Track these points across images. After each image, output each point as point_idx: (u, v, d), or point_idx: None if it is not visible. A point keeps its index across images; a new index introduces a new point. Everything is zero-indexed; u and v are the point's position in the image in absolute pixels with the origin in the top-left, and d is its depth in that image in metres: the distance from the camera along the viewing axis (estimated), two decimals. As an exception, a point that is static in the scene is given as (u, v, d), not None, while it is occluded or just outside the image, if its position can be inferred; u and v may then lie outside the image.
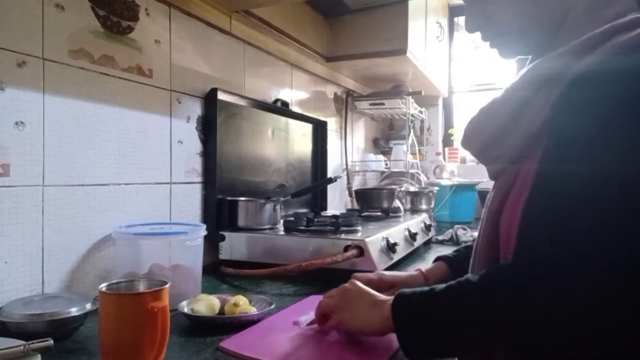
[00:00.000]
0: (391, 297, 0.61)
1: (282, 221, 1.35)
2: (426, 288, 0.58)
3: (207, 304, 0.80)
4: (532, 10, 0.61)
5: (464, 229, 1.66)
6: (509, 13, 0.62)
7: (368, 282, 0.84)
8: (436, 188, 2.11)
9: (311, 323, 0.75)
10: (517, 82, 0.60)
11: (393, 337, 0.69)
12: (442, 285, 0.57)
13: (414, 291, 0.59)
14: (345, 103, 2.22)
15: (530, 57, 0.67)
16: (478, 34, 0.67)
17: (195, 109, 1.24)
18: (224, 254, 1.20)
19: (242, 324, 0.76)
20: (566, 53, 0.54)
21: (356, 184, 2.33)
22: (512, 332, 0.52)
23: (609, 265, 0.46)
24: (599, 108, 0.48)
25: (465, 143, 0.68)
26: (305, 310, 0.80)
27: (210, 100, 1.26)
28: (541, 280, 0.49)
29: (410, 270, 0.94)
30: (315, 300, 0.89)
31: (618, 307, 0.47)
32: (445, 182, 2.22)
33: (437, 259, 0.92)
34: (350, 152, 2.26)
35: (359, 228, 1.25)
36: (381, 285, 0.86)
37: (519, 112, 0.57)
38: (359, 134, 2.44)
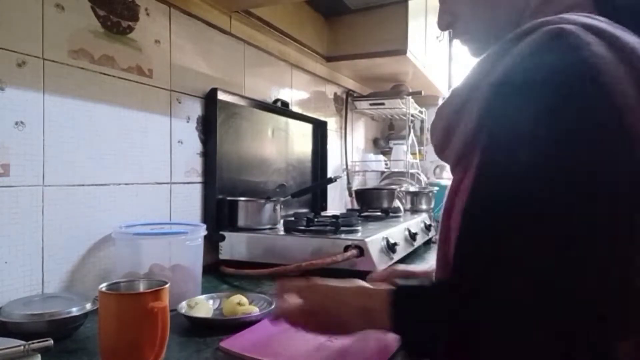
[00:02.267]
0: (380, 298, 0.56)
1: (282, 221, 1.35)
2: (416, 284, 0.59)
3: (205, 310, 0.81)
4: (489, 10, 0.62)
5: (464, 229, 1.65)
6: (469, 12, 0.64)
7: (383, 281, 0.83)
8: (436, 188, 2.10)
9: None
10: (460, 83, 0.61)
11: (395, 338, 0.69)
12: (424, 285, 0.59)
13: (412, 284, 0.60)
14: (345, 103, 2.22)
15: None
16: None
17: (195, 109, 1.24)
18: (224, 254, 1.21)
19: (244, 325, 0.76)
20: (494, 52, 0.55)
21: (356, 184, 2.33)
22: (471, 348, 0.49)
23: (539, 269, 0.44)
24: (521, 113, 0.47)
25: (431, 142, 0.69)
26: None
27: (210, 100, 1.26)
28: (473, 296, 0.48)
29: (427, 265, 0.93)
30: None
31: (564, 313, 0.44)
32: (445, 182, 2.22)
33: None
34: (350, 152, 2.26)
35: (359, 228, 1.25)
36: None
37: (458, 113, 0.58)
38: (359, 134, 2.44)
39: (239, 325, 0.76)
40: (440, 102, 0.66)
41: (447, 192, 0.62)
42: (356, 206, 1.95)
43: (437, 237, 0.64)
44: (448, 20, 0.67)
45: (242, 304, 0.81)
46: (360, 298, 0.57)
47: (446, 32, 2.58)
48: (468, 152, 0.57)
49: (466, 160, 0.57)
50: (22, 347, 0.57)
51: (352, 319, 0.57)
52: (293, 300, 0.61)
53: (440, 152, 0.66)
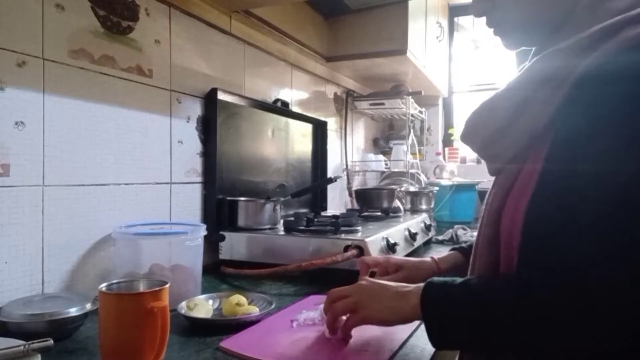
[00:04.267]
0: (416, 286, 0.61)
1: (282, 221, 1.35)
2: (458, 280, 0.57)
3: (205, 311, 0.81)
4: (538, 1, 0.60)
5: (464, 229, 1.66)
6: (515, 1, 0.61)
7: (376, 264, 0.87)
8: (436, 188, 2.11)
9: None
10: (520, 77, 0.59)
11: (396, 336, 0.70)
12: (473, 278, 0.57)
13: (444, 281, 0.58)
14: (345, 103, 2.22)
15: (533, 48, 0.66)
16: (483, 22, 0.66)
17: (195, 109, 1.24)
18: (224, 254, 1.20)
19: (243, 325, 0.76)
20: (571, 48, 0.53)
21: (356, 184, 2.33)
22: (531, 338, 0.50)
23: (620, 269, 0.45)
24: (608, 107, 0.47)
25: (465, 138, 0.66)
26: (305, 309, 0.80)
27: (210, 100, 1.26)
28: (550, 290, 0.49)
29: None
30: (315, 300, 0.89)
31: (631, 314, 0.46)
32: (445, 182, 2.22)
33: (452, 250, 0.92)
34: (350, 152, 2.26)
35: (359, 228, 1.25)
36: (388, 267, 0.87)
37: (521, 108, 0.56)
38: (359, 134, 2.44)
39: (238, 325, 0.75)
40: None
41: (492, 192, 0.61)
42: (356, 206, 1.95)
43: (479, 238, 0.62)
44: (487, 7, 0.63)
45: (241, 304, 0.81)
46: (399, 286, 0.63)
47: (446, 33, 2.59)
48: (525, 152, 0.56)
49: (520, 160, 0.56)
50: (22, 347, 0.57)
51: (389, 304, 0.62)
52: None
53: (485, 150, 0.64)
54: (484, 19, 0.65)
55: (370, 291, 0.66)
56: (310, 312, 0.78)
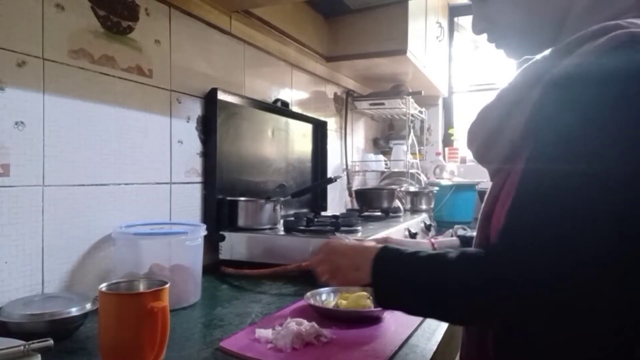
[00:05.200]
0: (372, 250, 0.64)
1: (282, 221, 1.35)
2: (412, 250, 0.61)
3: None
4: (531, 11, 0.62)
5: (464, 229, 1.65)
6: (509, 15, 0.63)
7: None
8: (436, 188, 2.11)
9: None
10: (507, 85, 0.61)
11: (396, 336, 0.70)
12: (427, 251, 0.60)
13: (398, 248, 0.63)
14: (345, 103, 2.22)
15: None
16: (484, 36, 0.69)
17: (195, 109, 1.24)
18: (224, 254, 1.21)
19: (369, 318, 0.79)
20: (549, 56, 0.56)
21: (356, 184, 2.33)
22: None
23: (585, 260, 0.47)
24: (575, 108, 0.49)
25: (468, 146, 0.70)
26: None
27: (210, 100, 1.26)
28: (519, 274, 0.50)
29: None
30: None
31: (597, 303, 0.47)
32: (445, 182, 2.22)
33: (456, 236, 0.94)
34: (350, 152, 2.26)
35: (359, 228, 1.25)
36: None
37: (507, 114, 0.58)
38: (359, 134, 2.44)
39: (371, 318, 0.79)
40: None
41: (486, 197, 0.63)
42: (356, 206, 1.95)
43: (474, 241, 0.64)
44: (484, 25, 0.67)
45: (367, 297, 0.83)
46: (356, 256, 0.68)
47: (446, 33, 2.59)
48: (514, 155, 0.57)
49: (510, 163, 0.58)
50: (22, 347, 0.57)
51: (350, 272, 0.68)
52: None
53: (482, 156, 0.66)
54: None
55: (333, 262, 0.72)
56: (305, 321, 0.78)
